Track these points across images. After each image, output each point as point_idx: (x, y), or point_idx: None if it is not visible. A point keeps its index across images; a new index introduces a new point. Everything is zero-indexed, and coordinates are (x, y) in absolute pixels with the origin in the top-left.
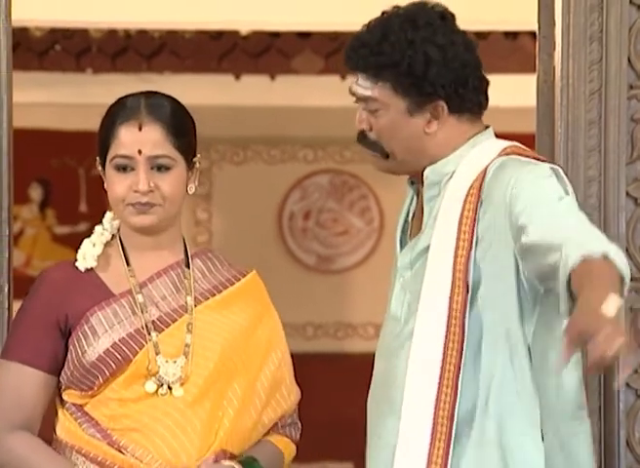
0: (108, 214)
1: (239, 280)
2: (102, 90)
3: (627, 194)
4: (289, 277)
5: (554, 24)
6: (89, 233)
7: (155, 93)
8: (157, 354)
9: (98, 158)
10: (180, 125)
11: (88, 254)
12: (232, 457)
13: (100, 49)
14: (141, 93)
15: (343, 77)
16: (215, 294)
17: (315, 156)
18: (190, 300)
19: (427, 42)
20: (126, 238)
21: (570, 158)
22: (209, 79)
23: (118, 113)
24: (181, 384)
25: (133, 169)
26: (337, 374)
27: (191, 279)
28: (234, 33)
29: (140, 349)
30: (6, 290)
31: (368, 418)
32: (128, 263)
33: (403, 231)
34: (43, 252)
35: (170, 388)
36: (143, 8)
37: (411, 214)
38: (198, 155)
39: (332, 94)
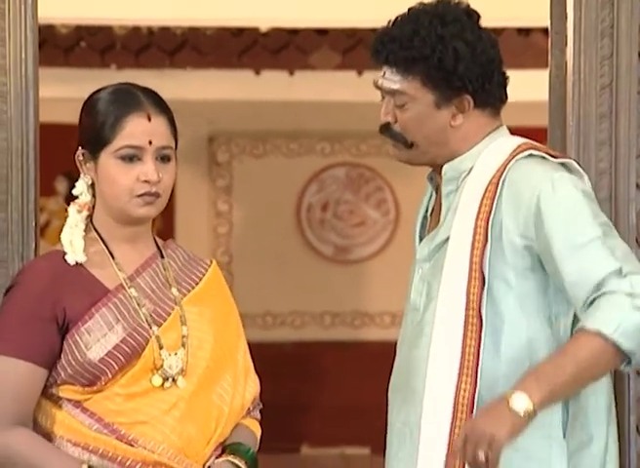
0: (74, 207)
1: (207, 270)
2: None
3: (638, 186)
4: (307, 267)
5: (566, 20)
6: None
7: (137, 85)
8: (161, 348)
9: (82, 149)
10: (173, 117)
11: (77, 248)
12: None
13: (124, 45)
14: (125, 84)
15: (360, 73)
16: (193, 286)
17: (332, 149)
18: (176, 292)
19: (456, 38)
20: (104, 229)
21: (581, 151)
22: (229, 74)
23: (120, 103)
24: (183, 375)
25: (139, 159)
26: (353, 362)
27: (170, 271)
28: (254, 30)
29: (147, 343)
30: None
31: (389, 406)
32: (112, 256)
33: (422, 226)
34: None
35: (174, 380)
36: (166, 5)
37: (430, 210)
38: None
39: (348, 89)
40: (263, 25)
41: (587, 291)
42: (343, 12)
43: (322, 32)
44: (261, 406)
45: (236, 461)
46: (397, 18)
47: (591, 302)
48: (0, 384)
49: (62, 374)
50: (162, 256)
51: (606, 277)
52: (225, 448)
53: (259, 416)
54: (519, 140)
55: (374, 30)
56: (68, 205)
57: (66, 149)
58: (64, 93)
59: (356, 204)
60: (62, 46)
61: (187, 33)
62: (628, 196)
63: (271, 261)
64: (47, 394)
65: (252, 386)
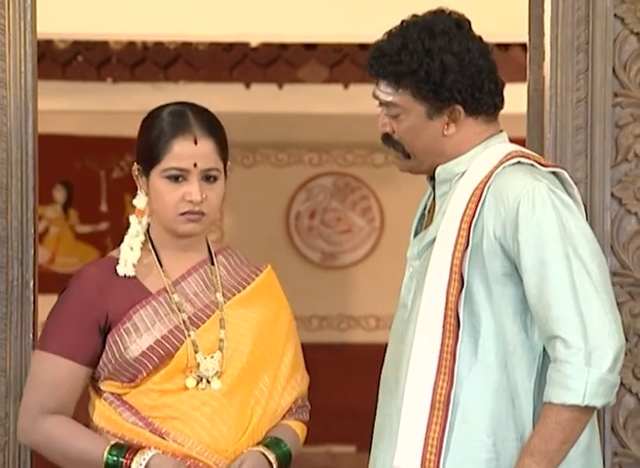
0: (134, 217)
1: (258, 275)
2: (122, 98)
3: (612, 195)
4: (295, 272)
5: (544, 36)
6: (110, 232)
7: (193, 104)
8: (196, 352)
9: (137, 164)
10: (224, 138)
11: (129, 262)
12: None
13: (120, 59)
14: (181, 103)
15: (347, 86)
16: (240, 290)
17: (320, 159)
18: (219, 296)
19: (444, 50)
20: (157, 238)
21: (558, 161)
22: (221, 88)
23: (170, 126)
24: (218, 377)
25: (185, 179)
26: (340, 363)
27: (217, 276)
28: (245, 45)
29: (181, 345)
30: (31, 285)
31: (379, 399)
32: (160, 263)
33: (421, 223)
34: (66, 249)
35: (209, 381)
36: (160, 21)
37: (428, 208)
38: (228, 163)
39: (336, 101)
40: (254, 41)
41: (545, 324)
42: (331, 27)
43: (310, 47)
44: (309, 407)
45: (266, 452)
46: (390, 30)
47: (550, 338)
48: (42, 378)
49: (105, 371)
50: (212, 262)
51: (559, 324)
52: (263, 441)
53: (305, 418)
54: (510, 148)
55: (360, 45)
56: (66, 212)
57: (64, 159)
58: (62, 105)
59: (343, 212)
60: (60, 60)
61: (180, 48)
62: (603, 204)
63: None
64: (95, 388)
65: (295, 388)
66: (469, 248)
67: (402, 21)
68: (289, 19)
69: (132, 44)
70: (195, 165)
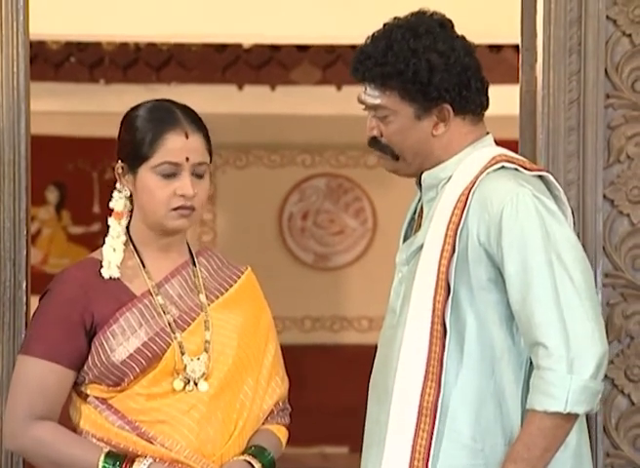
0: (113, 220)
1: (239, 277)
2: (114, 99)
3: (604, 196)
4: (288, 274)
5: (536, 38)
6: (102, 233)
7: (173, 100)
8: (182, 353)
9: (121, 162)
10: (208, 134)
11: (113, 264)
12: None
13: (112, 61)
14: (164, 101)
15: (339, 87)
16: (223, 292)
17: (313, 161)
18: (203, 298)
19: (429, 50)
20: (139, 238)
21: (550, 163)
22: (214, 89)
23: (159, 121)
24: (205, 379)
25: (176, 174)
26: (332, 364)
27: (200, 278)
28: (237, 46)
29: (168, 347)
30: (24, 286)
31: (368, 403)
32: (143, 265)
33: (410, 228)
34: (59, 250)
35: (196, 384)
36: (153, 22)
37: (417, 212)
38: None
39: (328, 103)
40: (246, 42)
41: (528, 331)
42: (323, 29)
43: (303, 48)
44: (289, 409)
45: (252, 462)
46: (373, 34)
47: (533, 345)
48: (29, 383)
49: (90, 375)
50: (194, 264)
51: (542, 331)
52: (247, 450)
53: (286, 421)
54: (495, 152)
55: (353, 47)
56: (59, 214)
57: (57, 160)
58: (55, 106)
59: (335, 213)
60: (53, 61)
61: (173, 49)
62: (595, 206)
63: (254, 269)
64: (77, 391)
65: (275, 390)
66: (455, 254)
67: (384, 24)
68: (281, 20)
69: (124, 45)
70: (187, 159)
